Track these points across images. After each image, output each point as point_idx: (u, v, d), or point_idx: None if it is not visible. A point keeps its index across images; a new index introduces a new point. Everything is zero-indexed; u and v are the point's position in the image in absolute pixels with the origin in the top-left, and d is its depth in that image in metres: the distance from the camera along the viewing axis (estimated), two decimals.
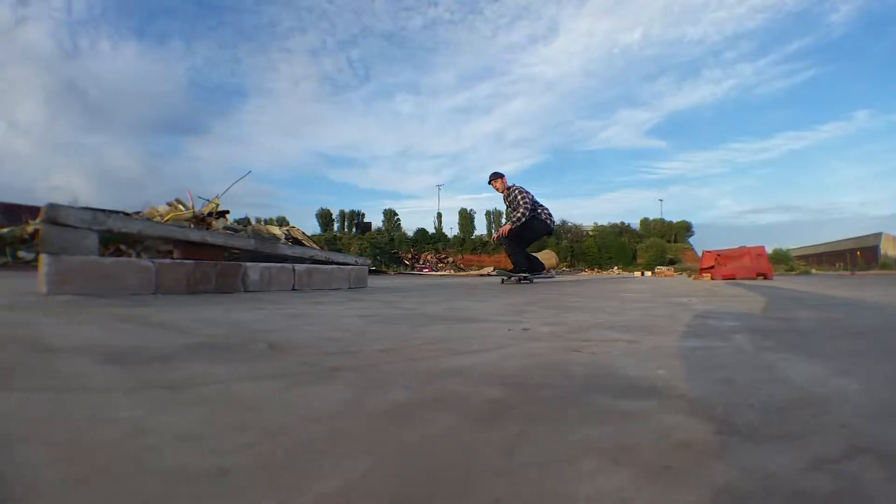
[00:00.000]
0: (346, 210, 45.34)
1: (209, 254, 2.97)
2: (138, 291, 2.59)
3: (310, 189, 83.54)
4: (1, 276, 3.56)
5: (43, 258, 2.38)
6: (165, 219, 4.57)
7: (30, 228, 6.79)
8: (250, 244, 3.22)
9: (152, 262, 2.64)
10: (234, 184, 6.14)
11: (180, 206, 6.11)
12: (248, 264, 3.12)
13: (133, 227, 2.64)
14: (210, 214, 5.78)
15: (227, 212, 6.23)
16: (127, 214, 4.32)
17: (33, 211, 10.49)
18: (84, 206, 3.52)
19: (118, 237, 4.07)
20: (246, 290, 3.09)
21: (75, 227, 2.47)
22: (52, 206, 2.44)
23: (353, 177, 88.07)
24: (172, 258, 2.88)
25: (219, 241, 3.02)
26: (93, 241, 2.50)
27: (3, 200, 14.59)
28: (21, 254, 6.60)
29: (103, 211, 2.64)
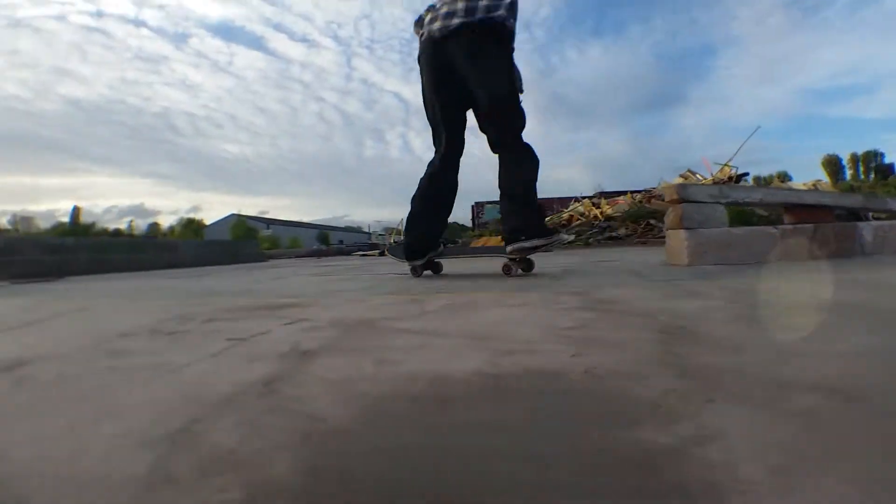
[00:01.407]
0: (858, 153, 35.95)
1: (817, 215, 2.84)
2: (764, 259, 2.71)
3: (806, 135, 71.06)
4: (586, 253, 4.53)
5: (681, 233, 2.82)
6: None
7: (565, 215, 8.75)
8: (858, 201, 2.89)
9: (776, 229, 2.73)
10: (744, 142, 5.88)
11: (697, 175, 6.34)
12: (861, 224, 2.80)
13: (755, 197, 2.81)
14: (730, 178, 5.71)
15: (746, 174, 6.00)
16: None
17: (563, 201, 13.56)
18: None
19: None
20: (862, 253, 2.79)
21: (705, 203, 2.82)
22: (683, 187, 2.87)
23: (855, 108, 69.60)
24: (784, 224, 2.90)
25: (827, 200, 2.85)
26: (721, 213, 2.80)
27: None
28: (562, 235, 8.59)
29: (727, 185, 2.91)
